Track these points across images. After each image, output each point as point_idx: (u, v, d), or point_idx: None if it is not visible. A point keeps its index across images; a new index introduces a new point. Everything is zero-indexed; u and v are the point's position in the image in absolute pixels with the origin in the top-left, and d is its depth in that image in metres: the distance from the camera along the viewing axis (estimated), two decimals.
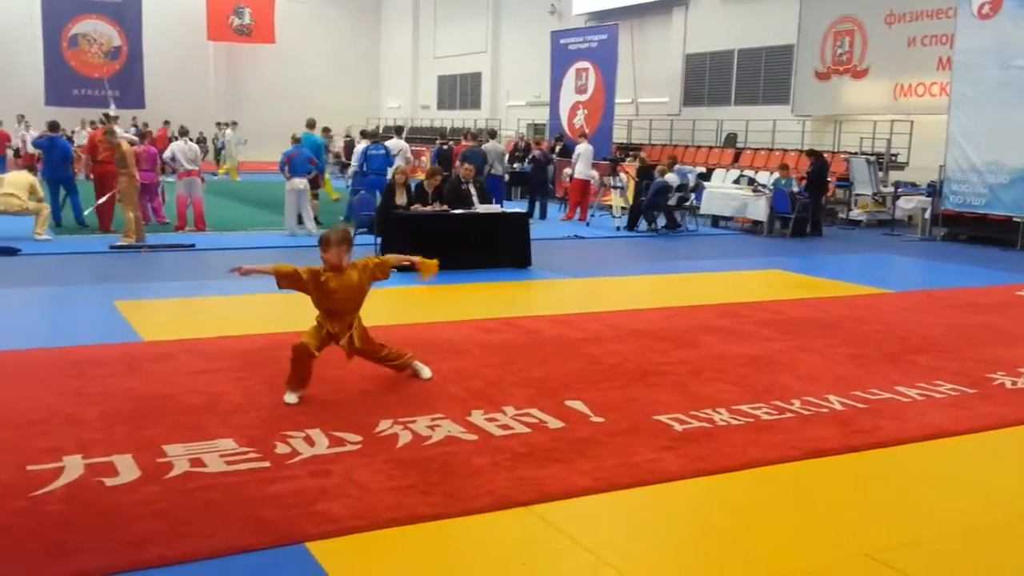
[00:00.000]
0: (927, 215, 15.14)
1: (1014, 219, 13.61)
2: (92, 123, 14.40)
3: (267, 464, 4.14)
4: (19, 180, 12.33)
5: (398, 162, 14.69)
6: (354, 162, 15.24)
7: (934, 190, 15.04)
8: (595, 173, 16.90)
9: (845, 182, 17.13)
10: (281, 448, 4.34)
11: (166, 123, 25.97)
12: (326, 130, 16.81)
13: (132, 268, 10.30)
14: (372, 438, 4.53)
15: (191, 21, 33.61)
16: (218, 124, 28.81)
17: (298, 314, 7.88)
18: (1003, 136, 13.67)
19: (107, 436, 4.47)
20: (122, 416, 4.78)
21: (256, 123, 32.20)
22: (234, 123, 26.74)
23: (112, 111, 20.80)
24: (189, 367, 5.81)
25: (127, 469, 4.03)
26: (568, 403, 5.18)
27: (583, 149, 16.67)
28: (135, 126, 17.80)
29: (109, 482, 3.89)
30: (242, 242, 12.44)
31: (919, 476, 4.39)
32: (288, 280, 5.20)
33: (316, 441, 4.45)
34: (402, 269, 5.95)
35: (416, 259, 5.62)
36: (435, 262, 5.63)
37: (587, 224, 15.80)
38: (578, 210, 16.64)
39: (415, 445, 4.45)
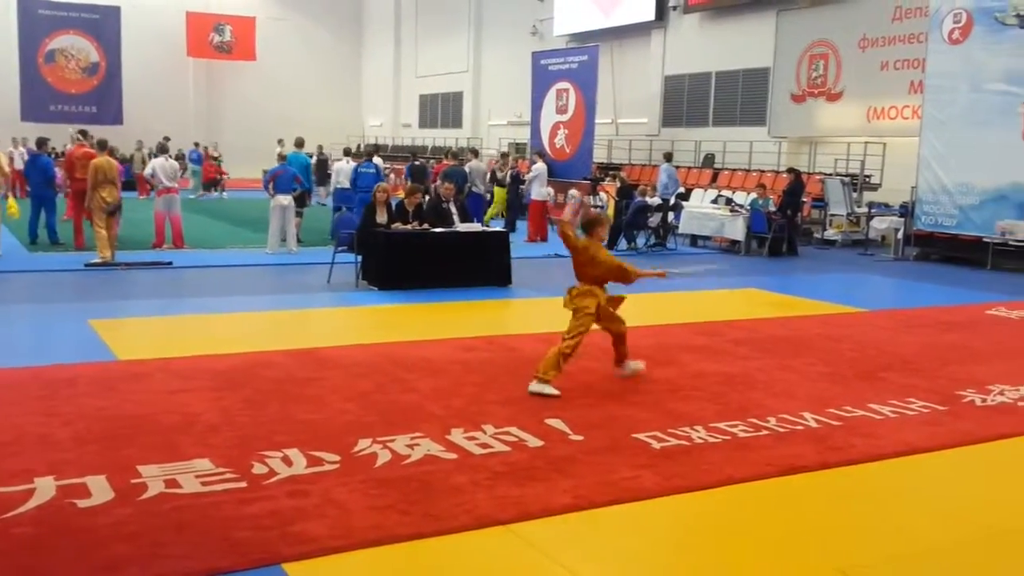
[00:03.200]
0: (900, 235, 15.33)
1: (984, 239, 13.82)
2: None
3: (244, 484, 4.11)
4: None
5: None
6: (341, 180, 15.28)
7: (906, 211, 15.25)
8: (550, 190, 16.92)
9: (820, 202, 17.34)
10: (258, 468, 4.32)
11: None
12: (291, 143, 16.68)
13: (107, 286, 10.21)
14: (351, 457, 4.51)
15: (171, 37, 33.56)
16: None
17: (275, 333, 7.87)
18: (973, 158, 13.91)
19: (80, 457, 4.42)
20: (95, 436, 4.74)
21: (236, 141, 32.16)
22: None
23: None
24: (165, 386, 5.76)
25: (100, 491, 3.99)
26: (547, 421, 5.19)
27: (538, 169, 16.63)
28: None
29: (81, 504, 3.85)
30: (221, 260, 12.38)
31: (892, 492, 4.44)
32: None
33: (294, 461, 4.43)
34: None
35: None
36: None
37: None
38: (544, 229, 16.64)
39: (394, 464, 4.45)
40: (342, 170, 15.10)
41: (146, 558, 3.38)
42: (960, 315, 9.56)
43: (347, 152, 16.23)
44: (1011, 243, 13.48)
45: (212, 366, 6.30)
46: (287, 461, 4.42)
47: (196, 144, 28.32)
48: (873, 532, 3.92)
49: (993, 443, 5.19)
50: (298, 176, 13.59)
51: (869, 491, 4.44)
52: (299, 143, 15.07)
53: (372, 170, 15.16)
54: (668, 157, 18.50)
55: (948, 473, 4.77)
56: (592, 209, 6.66)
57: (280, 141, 26.67)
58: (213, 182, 25.65)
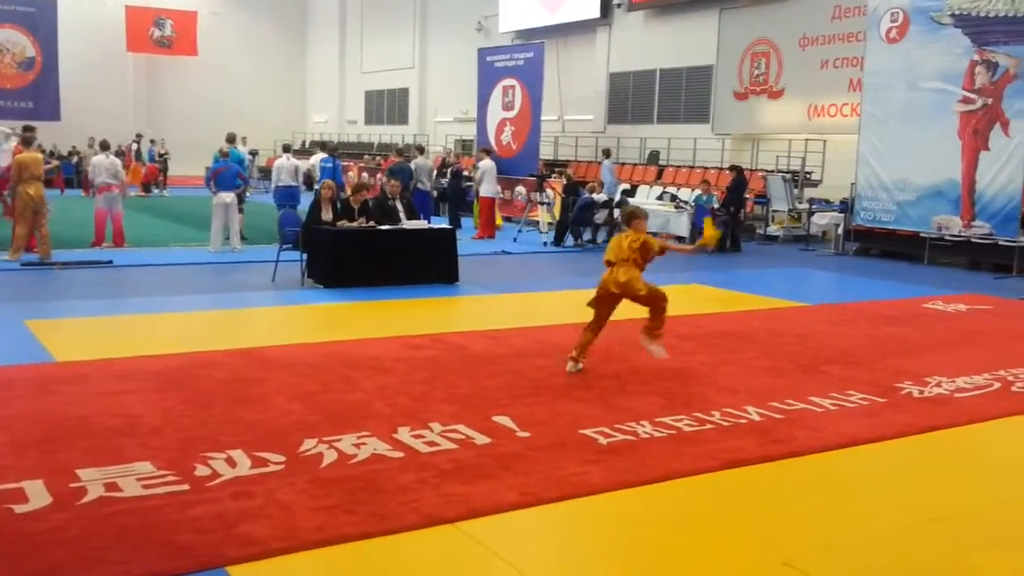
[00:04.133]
0: (840, 231, 15.70)
1: (921, 235, 14.22)
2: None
3: (186, 487, 4.04)
4: None
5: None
6: (283, 177, 15.08)
7: (846, 207, 15.61)
8: (499, 188, 16.93)
9: (763, 199, 17.66)
10: (201, 470, 4.25)
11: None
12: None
13: (44, 286, 9.94)
14: (296, 458, 4.47)
15: (110, 32, 32.75)
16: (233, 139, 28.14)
17: (218, 332, 7.74)
18: (910, 155, 14.30)
19: (16, 461, 4.30)
20: (33, 440, 4.61)
21: (178, 137, 31.50)
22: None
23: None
24: (104, 388, 5.63)
25: (37, 495, 3.88)
26: (495, 418, 5.20)
27: (486, 166, 16.61)
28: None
29: (18, 509, 3.75)
30: (163, 258, 12.13)
31: (833, 483, 4.55)
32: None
33: (238, 462, 4.37)
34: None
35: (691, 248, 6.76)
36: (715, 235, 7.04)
37: (514, 240, 15.89)
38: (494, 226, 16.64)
39: (340, 464, 4.41)
40: (283, 167, 14.87)
41: (86, 564, 3.31)
42: (898, 309, 9.81)
43: (286, 148, 16.05)
44: (947, 238, 13.89)
45: (153, 367, 6.18)
46: (231, 462, 4.36)
47: (152, 142, 27.70)
48: (815, 522, 4.02)
49: (930, 434, 5.34)
50: (241, 172, 13.41)
51: (811, 482, 4.54)
52: (231, 139, 14.83)
53: (330, 165, 15.23)
54: (607, 153, 18.68)
55: (887, 464, 4.90)
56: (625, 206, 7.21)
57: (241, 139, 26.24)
58: (153, 182, 25.26)
